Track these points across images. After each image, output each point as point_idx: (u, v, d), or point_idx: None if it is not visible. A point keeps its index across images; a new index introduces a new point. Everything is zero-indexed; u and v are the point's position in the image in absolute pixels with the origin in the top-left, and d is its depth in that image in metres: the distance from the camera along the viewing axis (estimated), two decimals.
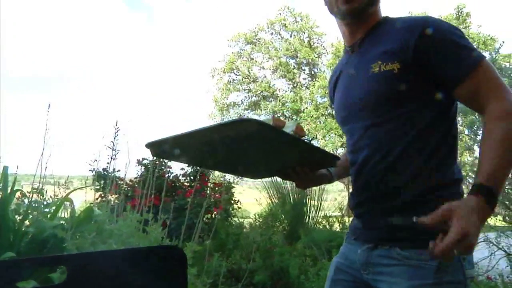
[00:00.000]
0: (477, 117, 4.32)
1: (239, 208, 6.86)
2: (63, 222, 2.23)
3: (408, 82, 1.26)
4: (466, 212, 1.04)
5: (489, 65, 1.23)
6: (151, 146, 1.25)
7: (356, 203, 1.41)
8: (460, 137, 4.54)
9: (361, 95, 1.35)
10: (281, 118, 1.41)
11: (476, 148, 4.56)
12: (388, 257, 1.26)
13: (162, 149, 1.25)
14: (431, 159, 1.26)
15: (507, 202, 4.10)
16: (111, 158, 2.53)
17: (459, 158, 4.96)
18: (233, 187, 7.08)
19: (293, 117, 23.73)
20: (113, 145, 2.57)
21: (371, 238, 1.34)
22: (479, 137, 4.52)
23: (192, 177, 6.45)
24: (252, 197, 8.48)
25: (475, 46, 1.25)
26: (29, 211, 2.35)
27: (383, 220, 1.30)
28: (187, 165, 6.21)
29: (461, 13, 22.65)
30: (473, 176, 4.06)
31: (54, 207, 2.42)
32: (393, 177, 1.29)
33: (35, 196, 2.34)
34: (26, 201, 2.35)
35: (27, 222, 2.31)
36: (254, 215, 7.20)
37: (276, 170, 1.52)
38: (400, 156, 1.28)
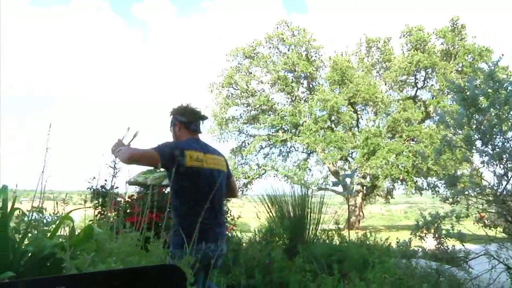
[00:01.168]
0: (474, 130, 4.32)
1: (234, 221, 6.85)
2: (63, 240, 2.22)
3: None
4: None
5: (157, 149, 2.84)
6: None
7: None
8: (459, 149, 4.54)
9: None
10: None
11: (474, 159, 4.56)
12: None
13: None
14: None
15: (505, 213, 4.10)
16: (113, 176, 2.54)
17: (459, 171, 4.92)
18: (228, 200, 7.08)
19: (292, 130, 23.76)
20: (115, 163, 2.59)
21: None
22: (476, 148, 4.53)
23: None
24: (252, 211, 8.47)
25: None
26: (29, 230, 2.34)
27: None
28: None
29: (456, 25, 22.79)
30: (473, 187, 4.00)
31: (53, 225, 2.41)
32: None
33: (34, 214, 2.34)
34: (25, 219, 2.34)
35: (26, 241, 2.30)
36: (254, 230, 7.17)
37: None
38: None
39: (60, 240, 2.19)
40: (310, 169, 24.65)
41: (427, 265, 4.18)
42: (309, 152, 24.61)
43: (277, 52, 24.78)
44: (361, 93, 22.31)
